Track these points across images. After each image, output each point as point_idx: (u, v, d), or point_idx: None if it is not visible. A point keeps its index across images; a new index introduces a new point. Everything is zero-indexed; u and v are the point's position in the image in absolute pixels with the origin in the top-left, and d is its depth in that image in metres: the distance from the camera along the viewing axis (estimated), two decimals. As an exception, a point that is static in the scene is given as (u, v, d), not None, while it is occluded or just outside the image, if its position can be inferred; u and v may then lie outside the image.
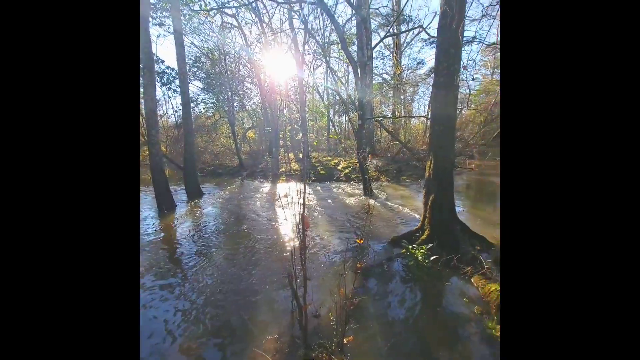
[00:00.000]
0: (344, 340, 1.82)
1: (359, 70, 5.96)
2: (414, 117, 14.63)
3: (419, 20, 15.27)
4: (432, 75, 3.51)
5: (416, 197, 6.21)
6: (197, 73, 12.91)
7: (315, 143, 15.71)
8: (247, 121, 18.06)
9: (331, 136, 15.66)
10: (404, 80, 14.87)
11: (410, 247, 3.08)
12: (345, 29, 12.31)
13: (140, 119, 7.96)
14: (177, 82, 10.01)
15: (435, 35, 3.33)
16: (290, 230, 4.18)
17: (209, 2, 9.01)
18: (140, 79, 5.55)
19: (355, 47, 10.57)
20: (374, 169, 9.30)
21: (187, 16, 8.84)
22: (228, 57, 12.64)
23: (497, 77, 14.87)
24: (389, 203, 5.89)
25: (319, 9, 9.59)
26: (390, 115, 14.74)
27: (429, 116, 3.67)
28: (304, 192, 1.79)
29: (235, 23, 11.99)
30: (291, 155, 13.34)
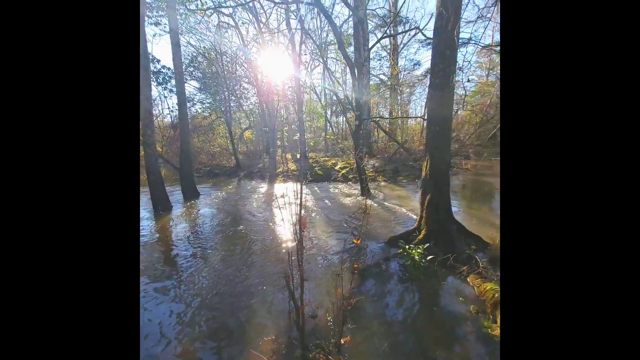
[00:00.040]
0: (342, 340, 1.82)
1: (356, 70, 5.98)
2: (410, 117, 14.73)
3: (416, 21, 15.33)
4: (429, 76, 3.53)
5: (413, 197, 6.24)
6: (194, 73, 12.81)
7: (312, 143, 15.70)
8: (244, 121, 18.00)
9: (328, 136, 15.67)
10: (400, 81, 14.94)
11: (407, 247, 3.09)
12: (343, 30, 12.33)
13: (136, 119, 7.86)
14: (173, 81, 9.92)
15: (432, 36, 3.35)
16: (287, 231, 4.17)
17: (206, 2, 8.95)
18: (136, 78, 5.49)
19: (352, 48, 10.60)
20: (371, 169, 9.32)
21: (184, 15, 8.78)
22: (225, 57, 12.57)
23: (492, 78, 15.02)
24: (386, 203, 5.91)
25: (316, 10, 9.60)
26: (387, 116, 14.79)
27: (426, 117, 3.69)
28: (301, 193, 1.79)
29: (232, 23, 11.93)
30: (288, 156, 13.33)
